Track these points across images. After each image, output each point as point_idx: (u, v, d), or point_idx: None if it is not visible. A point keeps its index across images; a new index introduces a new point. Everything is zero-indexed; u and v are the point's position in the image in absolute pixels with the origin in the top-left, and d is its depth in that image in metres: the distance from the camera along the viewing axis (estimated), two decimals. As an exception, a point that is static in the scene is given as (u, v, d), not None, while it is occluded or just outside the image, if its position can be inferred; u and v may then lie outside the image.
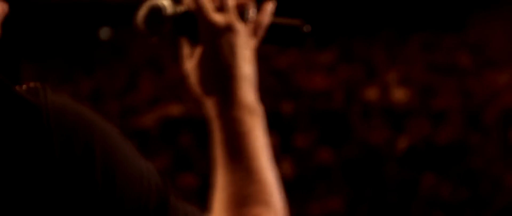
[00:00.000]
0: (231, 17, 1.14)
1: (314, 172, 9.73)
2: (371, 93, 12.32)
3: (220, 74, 1.12)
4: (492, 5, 16.41)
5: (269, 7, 1.21)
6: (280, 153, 10.19)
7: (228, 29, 1.12)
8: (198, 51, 1.13)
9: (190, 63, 1.15)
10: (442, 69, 13.31)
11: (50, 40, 15.40)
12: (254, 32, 1.17)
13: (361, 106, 11.74)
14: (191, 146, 10.54)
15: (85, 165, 0.81)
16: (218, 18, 1.13)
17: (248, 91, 1.13)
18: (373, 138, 10.17)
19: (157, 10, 1.15)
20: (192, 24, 1.14)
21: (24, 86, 0.86)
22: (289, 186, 9.48)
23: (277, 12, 1.32)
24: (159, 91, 13.18)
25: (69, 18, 15.97)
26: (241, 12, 1.17)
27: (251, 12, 1.19)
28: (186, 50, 1.16)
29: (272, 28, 1.21)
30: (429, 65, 13.74)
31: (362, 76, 13.30)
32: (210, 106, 1.14)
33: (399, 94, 12.30)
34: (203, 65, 1.13)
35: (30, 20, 14.28)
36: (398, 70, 13.56)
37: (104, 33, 17.89)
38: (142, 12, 1.16)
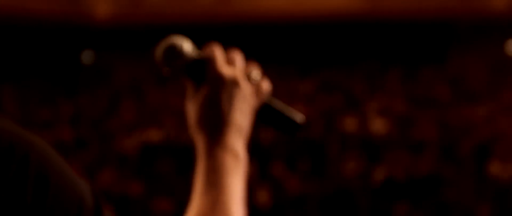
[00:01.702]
0: (237, 73, 1.24)
1: (290, 202, 9.79)
2: (350, 124, 12.43)
3: (215, 118, 1.22)
4: (471, 39, 16.66)
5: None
6: (257, 181, 10.25)
7: (233, 82, 1.23)
8: (201, 93, 1.23)
9: (191, 103, 1.24)
10: (421, 101, 13.47)
11: (32, 62, 15.43)
12: (256, 93, 1.26)
13: (339, 136, 11.83)
14: (169, 172, 10.57)
15: (19, 178, 0.88)
16: (226, 70, 1.23)
17: (236, 139, 1.22)
18: (349, 169, 10.26)
19: (176, 47, 1.25)
20: (202, 69, 1.24)
21: None
22: (265, 214, 9.53)
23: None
24: (139, 117, 13.22)
25: (52, 40, 16.03)
26: (247, 73, 1.27)
27: (256, 74, 1.28)
28: (190, 90, 1.25)
29: (272, 111, 1.31)
30: (408, 97, 13.89)
31: (341, 106, 13.42)
32: (199, 142, 1.22)
33: (378, 125, 12.42)
34: (203, 107, 1.23)
35: (13, 41, 14.32)
36: (377, 101, 13.71)
37: (87, 57, 17.95)
38: (163, 44, 1.26)
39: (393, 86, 14.56)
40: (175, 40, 1.28)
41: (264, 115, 1.33)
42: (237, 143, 1.23)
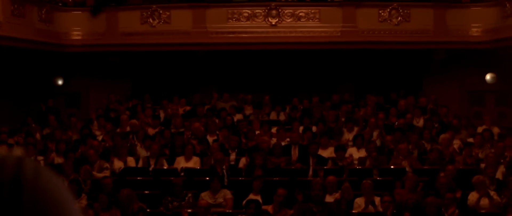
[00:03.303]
0: None
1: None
2: (326, 152, 12.32)
3: None
4: (447, 69, 16.73)
5: None
6: (234, 209, 10.09)
7: None
8: None
9: None
10: (397, 130, 13.41)
11: (3, 85, 15.15)
12: None
13: (316, 164, 11.72)
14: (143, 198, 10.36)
15: None
16: None
17: None
18: (328, 197, 10.12)
19: None
20: None
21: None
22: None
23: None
24: (112, 143, 12.98)
25: (25, 66, 15.78)
26: None
27: None
28: None
29: None
30: (384, 126, 13.84)
31: (316, 134, 13.33)
32: None
33: (354, 153, 12.32)
34: None
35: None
36: (352, 130, 13.64)
37: (58, 82, 17.70)
38: None
39: (369, 115, 14.51)
40: None
41: None
42: None
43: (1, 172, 0.75)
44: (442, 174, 10.54)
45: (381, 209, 9.79)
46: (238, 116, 15.24)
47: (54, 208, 0.76)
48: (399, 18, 16.11)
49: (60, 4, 16.73)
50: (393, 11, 16.08)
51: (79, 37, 16.62)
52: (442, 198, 9.59)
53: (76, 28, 16.63)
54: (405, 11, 16.10)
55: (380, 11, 16.14)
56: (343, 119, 14.38)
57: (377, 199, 10.07)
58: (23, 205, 0.74)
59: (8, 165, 0.75)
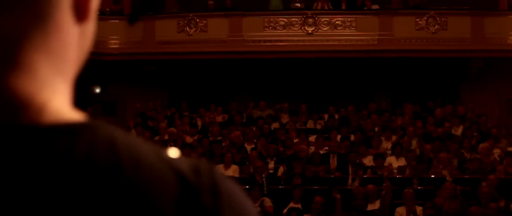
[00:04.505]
0: None
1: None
2: (365, 161, 12.29)
3: None
4: (485, 77, 16.59)
5: None
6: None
7: None
8: None
9: None
10: (435, 138, 13.32)
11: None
12: None
13: (355, 173, 11.68)
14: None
15: None
16: None
17: None
18: (370, 206, 10.09)
19: None
20: None
21: (186, 160, 0.79)
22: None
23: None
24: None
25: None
26: None
27: None
28: None
29: None
30: (422, 134, 13.75)
31: (354, 143, 13.29)
32: None
33: (393, 162, 12.27)
34: None
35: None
36: (390, 138, 13.58)
37: (96, 90, 17.86)
38: None
39: (406, 123, 14.43)
40: None
41: None
42: None
43: (199, 177, 0.76)
44: (484, 184, 10.45)
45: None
46: (274, 125, 15.26)
47: (245, 212, 0.77)
48: (436, 26, 16.02)
49: (98, 13, 16.86)
50: (430, 19, 16.00)
51: (117, 46, 16.76)
52: (485, 207, 9.50)
53: (114, 36, 16.76)
54: (442, 19, 16.01)
55: (417, 19, 16.06)
56: (377, 128, 14.31)
57: (418, 209, 10.02)
58: (222, 210, 0.75)
59: (204, 171, 0.77)
